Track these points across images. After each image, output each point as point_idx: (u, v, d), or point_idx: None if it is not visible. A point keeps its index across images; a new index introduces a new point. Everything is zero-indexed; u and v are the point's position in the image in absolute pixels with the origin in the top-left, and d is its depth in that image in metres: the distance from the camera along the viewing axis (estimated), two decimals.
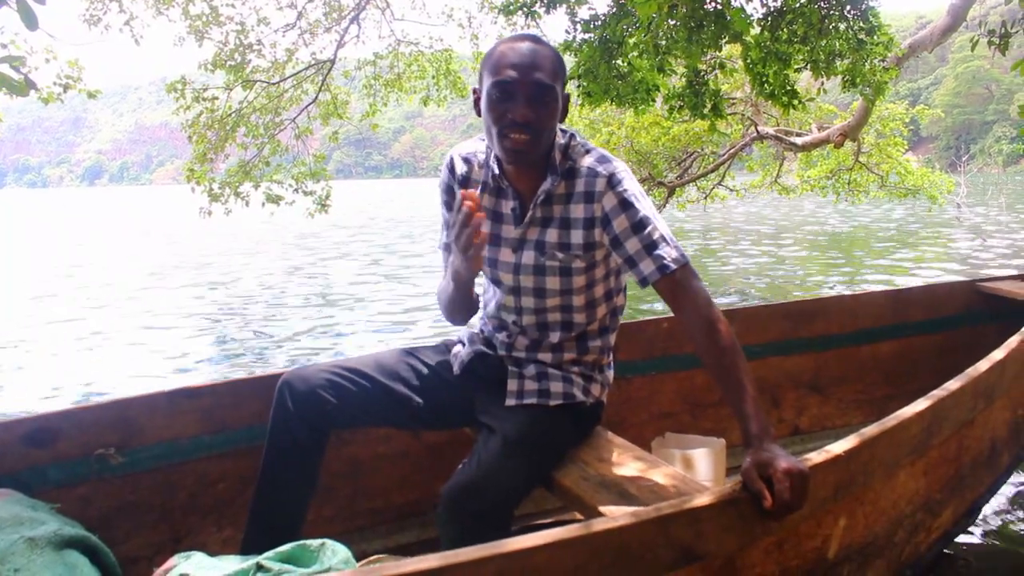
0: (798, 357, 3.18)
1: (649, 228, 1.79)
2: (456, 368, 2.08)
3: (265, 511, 1.93)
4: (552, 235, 1.88)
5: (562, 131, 1.90)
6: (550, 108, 1.78)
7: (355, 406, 1.95)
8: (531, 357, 2.00)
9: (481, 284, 2.06)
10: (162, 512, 2.15)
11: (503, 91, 1.75)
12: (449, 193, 2.03)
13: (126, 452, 2.09)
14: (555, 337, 1.98)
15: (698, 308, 1.73)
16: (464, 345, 2.11)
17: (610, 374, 2.11)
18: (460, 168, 2.01)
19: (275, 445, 1.94)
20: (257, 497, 1.94)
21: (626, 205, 1.80)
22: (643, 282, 1.80)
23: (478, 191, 1.96)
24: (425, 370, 2.06)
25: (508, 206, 1.93)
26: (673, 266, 1.76)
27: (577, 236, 1.86)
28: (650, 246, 1.78)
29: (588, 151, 1.89)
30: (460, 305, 1.95)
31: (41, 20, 2.37)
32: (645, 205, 1.82)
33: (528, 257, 1.91)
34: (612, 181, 1.82)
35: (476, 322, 2.16)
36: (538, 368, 1.99)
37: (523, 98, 1.75)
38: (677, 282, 1.76)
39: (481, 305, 2.12)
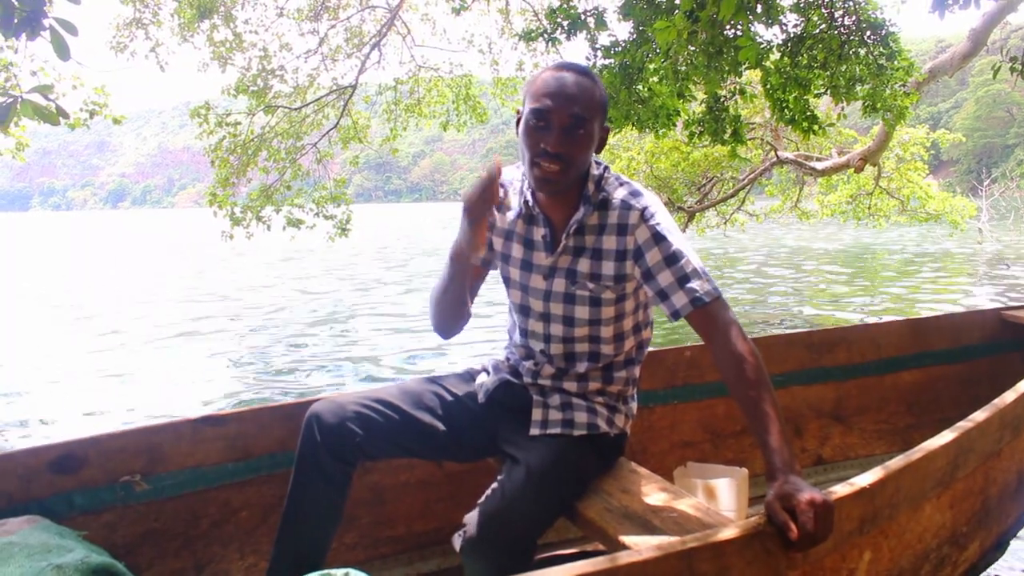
0: (820, 386, 3.16)
1: (682, 261, 1.80)
2: (481, 396, 2.08)
3: (291, 542, 1.93)
4: (584, 265, 1.89)
5: (596, 163, 1.91)
6: (583, 141, 1.79)
7: (383, 438, 1.95)
8: (556, 386, 2.00)
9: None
10: (186, 539, 2.16)
11: (539, 120, 1.78)
12: None
13: (151, 479, 2.10)
14: (582, 367, 1.98)
15: (730, 340, 1.74)
16: (489, 373, 2.11)
17: (634, 406, 2.10)
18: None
19: (302, 476, 1.93)
20: (283, 528, 1.94)
21: (659, 238, 1.82)
22: (675, 315, 1.80)
23: (511, 217, 1.98)
24: (451, 400, 2.05)
25: (539, 233, 1.94)
26: (706, 299, 1.77)
27: (608, 267, 1.87)
28: (683, 279, 1.79)
29: (621, 184, 1.90)
30: (451, 302, 1.96)
31: (71, 49, 2.42)
32: (678, 239, 1.83)
33: (559, 285, 1.93)
34: (645, 214, 1.83)
35: (501, 353, 2.16)
36: (563, 398, 1.98)
37: (557, 129, 1.77)
38: (710, 314, 1.78)
39: (507, 334, 2.14)
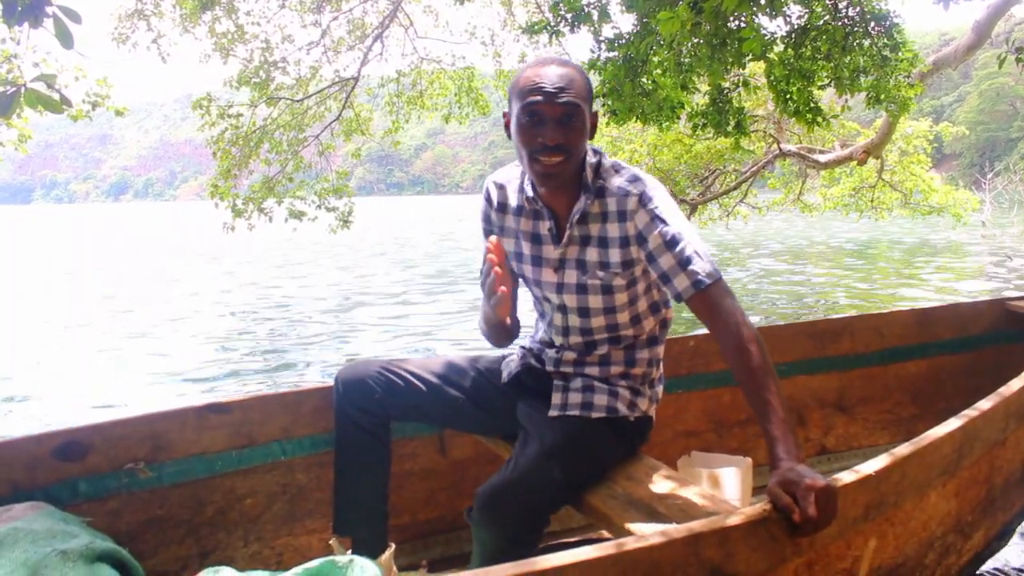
0: (824, 376, 3.15)
1: (682, 244, 1.79)
2: (504, 376, 2.13)
3: (345, 490, 2.09)
4: (592, 254, 1.91)
5: (593, 150, 1.92)
6: (579, 128, 1.80)
7: (402, 399, 2.07)
8: (579, 371, 2.02)
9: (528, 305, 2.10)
10: (190, 527, 2.16)
11: (532, 116, 1.78)
12: (487, 221, 2.08)
13: (155, 466, 2.10)
14: (603, 349, 2.01)
15: (731, 326, 1.74)
16: (515, 357, 2.16)
17: (659, 389, 2.12)
18: (495, 195, 2.05)
19: (339, 427, 2.11)
20: (336, 480, 2.11)
21: (658, 221, 1.81)
22: (678, 298, 1.82)
23: (513, 215, 2.00)
24: (473, 373, 2.13)
25: (545, 227, 1.95)
26: (707, 281, 1.77)
27: (615, 255, 1.88)
28: (684, 261, 1.78)
29: (619, 170, 1.91)
30: (499, 334, 2.03)
31: (74, 38, 2.42)
32: (677, 220, 1.83)
33: (570, 276, 1.94)
34: (643, 199, 1.83)
35: (526, 340, 2.19)
36: (584, 381, 2.01)
37: (552, 121, 1.77)
38: (711, 298, 1.77)
39: (533, 323, 2.17)
